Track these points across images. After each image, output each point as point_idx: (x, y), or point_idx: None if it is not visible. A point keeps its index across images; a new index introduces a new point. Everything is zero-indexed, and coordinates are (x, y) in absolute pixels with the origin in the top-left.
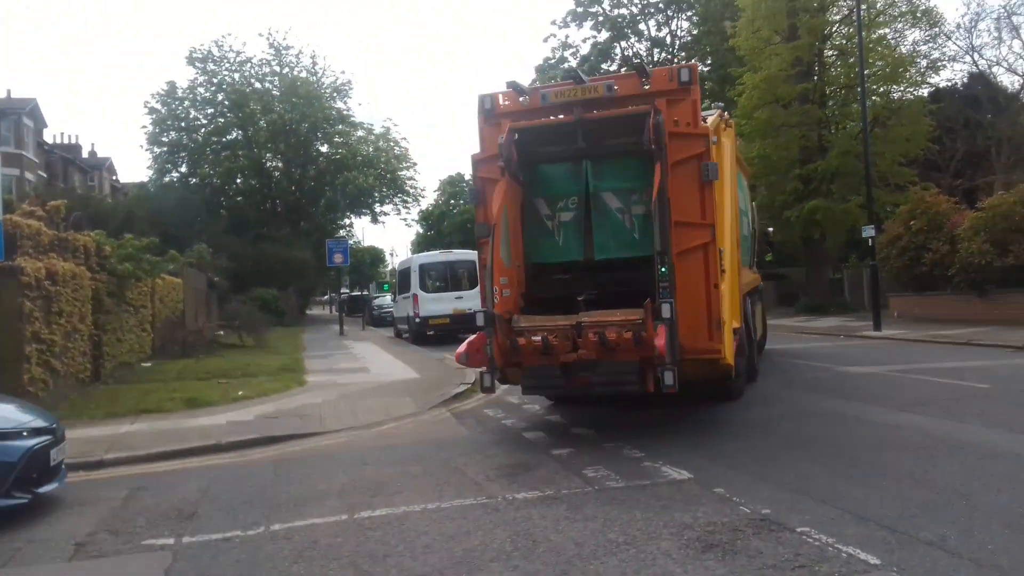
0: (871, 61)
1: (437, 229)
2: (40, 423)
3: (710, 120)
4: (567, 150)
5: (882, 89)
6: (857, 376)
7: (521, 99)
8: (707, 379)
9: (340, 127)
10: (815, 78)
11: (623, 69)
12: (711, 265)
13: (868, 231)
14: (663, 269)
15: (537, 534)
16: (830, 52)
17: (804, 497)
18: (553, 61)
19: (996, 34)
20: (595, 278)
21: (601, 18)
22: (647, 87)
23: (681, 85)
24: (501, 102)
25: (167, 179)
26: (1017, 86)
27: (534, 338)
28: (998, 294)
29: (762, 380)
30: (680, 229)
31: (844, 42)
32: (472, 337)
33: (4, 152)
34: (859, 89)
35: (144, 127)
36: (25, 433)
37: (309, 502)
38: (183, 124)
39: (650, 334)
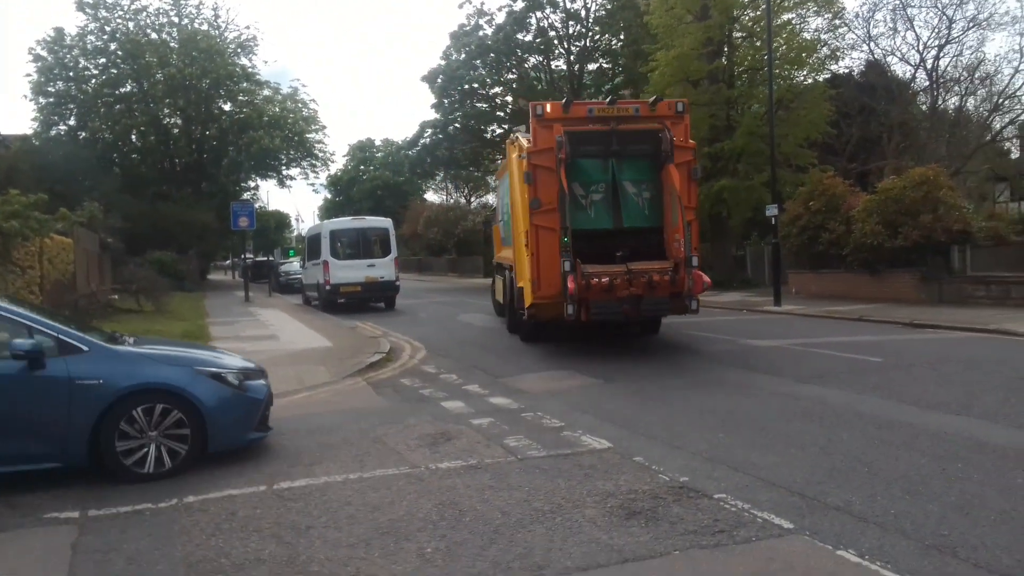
0: (777, 44)
1: (346, 195)
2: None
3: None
4: (601, 150)
5: (786, 73)
6: (761, 349)
7: (565, 110)
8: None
9: (244, 85)
10: (724, 59)
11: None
12: (694, 234)
13: (771, 210)
14: (688, 235)
15: (463, 503)
16: (739, 33)
17: (719, 465)
18: (468, 28)
19: (892, 25)
20: (619, 241)
21: None
22: (654, 111)
23: (677, 114)
24: (549, 110)
25: (54, 132)
26: (909, 75)
27: (602, 280)
28: (888, 273)
29: (671, 351)
30: (679, 210)
31: (752, 24)
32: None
33: None
34: (766, 71)
35: (28, 75)
36: (263, 374)
37: (224, 473)
38: (72, 74)
39: (683, 277)
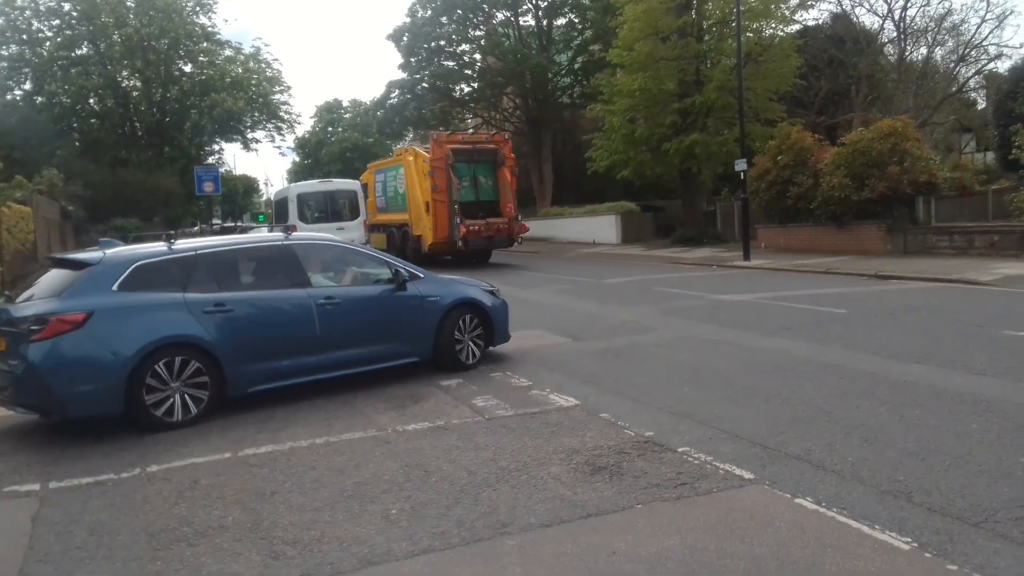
0: None
1: (315, 157)
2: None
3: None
4: (467, 159)
5: (755, 26)
6: (729, 304)
7: (448, 137)
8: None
9: (205, 45)
10: (693, 12)
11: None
12: (514, 204)
13: (740, 165)
14: (515, 204)
15: (429, 464)
16: None
17: (684, 419)
18: None
19: None
20: (478, 208)
21: None
22: (494, 138)
23: (505, 140)
24: (440, 138)
25: (8, 98)
26: (877, 27)
27: (473, 227)
28: (855, 225)
29: (638, 309)
30: (510, 191)
31: None
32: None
33: None
34: (734, 24)
35: None
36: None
37: (188, 441)
38: (24, 36)
39: (513, 226)
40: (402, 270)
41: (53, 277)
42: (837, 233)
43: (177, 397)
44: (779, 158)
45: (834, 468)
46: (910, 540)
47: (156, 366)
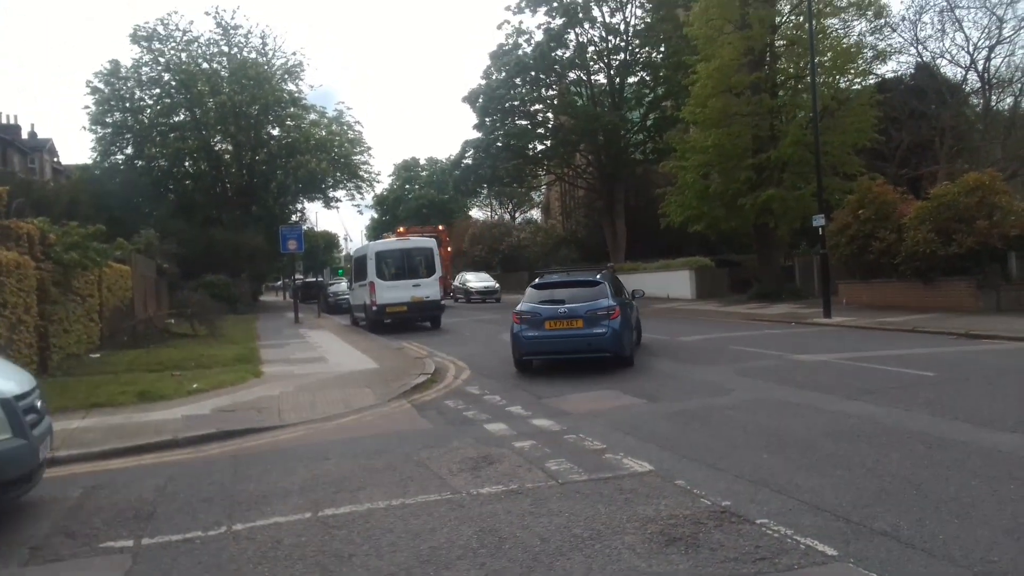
0: (821, 50)
1: (392, 214)
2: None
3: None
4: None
5: (830, 79)
6: (808, 364)
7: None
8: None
9: (292, 110)
10: (766, 68)
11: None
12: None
13: (818, 220)
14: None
15: (503, 530)
16: (780, 42)
17: (762, 488)
18: (508, 47)
19: (939, 27)
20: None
21: (555, 4)
22: (440, 230)
23: (441, 231)
24: (402, 230)
25: (111, 161)
26: (960, 77)
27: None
28: (942, 281)
29: (714, 369)
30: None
31: (794, 32)
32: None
33: None
34: (808, 79)
35: (87, 107)
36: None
37: (271, 500)
38: (128, 104)
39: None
40: (629, 294)
41: (577, 292)
42: (923, 289)
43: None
44: (860, 212)
45: (923, 546)
46: None
47: None
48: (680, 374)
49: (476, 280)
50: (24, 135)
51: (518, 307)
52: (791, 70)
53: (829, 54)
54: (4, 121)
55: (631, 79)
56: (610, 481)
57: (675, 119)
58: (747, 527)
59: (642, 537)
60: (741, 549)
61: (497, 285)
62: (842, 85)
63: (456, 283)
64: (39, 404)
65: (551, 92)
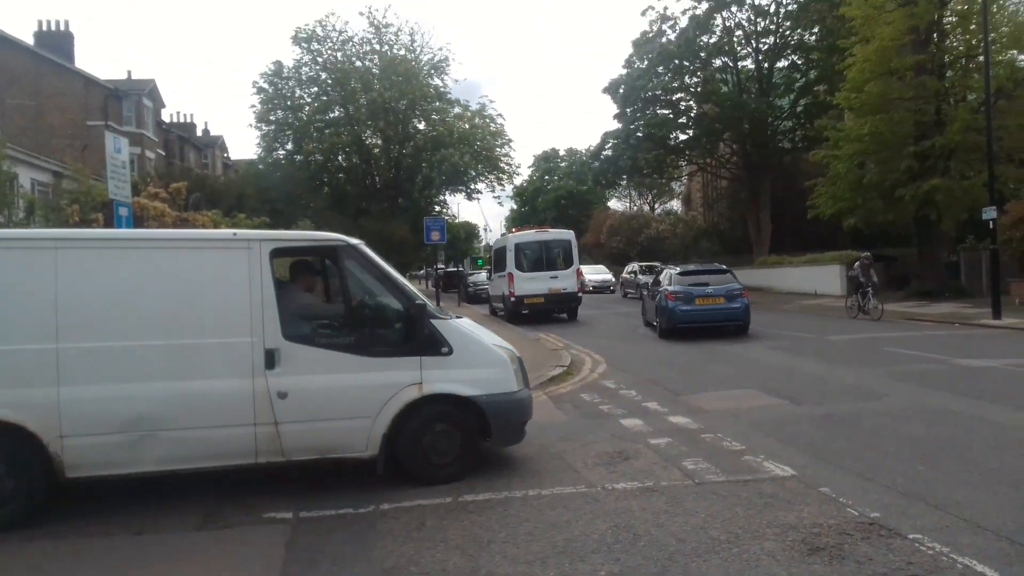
0: (994, 26)
1: (531, 205)
2: None
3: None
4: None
5: (1007, 57)
6: (973, 370)
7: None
8: None
9: (437, 104)
10: (933, 47)
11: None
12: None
13: (989, 213)
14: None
15: (638, 527)
16: (949, 18)
17: (916, 501)
18: (651, 35)
19: None
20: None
21: None
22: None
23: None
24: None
25: (274, 156)
26: None
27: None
28: None
29: (866, 371)
30: None
31: (964, 6)
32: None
33: (126, 132)
34: (982, 57)
35: (253, 106)
36: None
37: (413, 483)
38: (289, 103)
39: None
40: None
41: (714, 277)
42: None
43: None
44: None
45: None
46: None
47: None
48: (827, 375)
49: (592, 273)
50: (199, 133)
51: (671, 288)
52: (961, 48)
53: (1005, 28)
54: (181, 120)
55: (780, 63)
56: (749, 484)
57: (828, 105)
58: (898, 541)
59: (782, 544)
60: (891, 564)
61: (612, 277)
62: (1020, 63)
63: None
64: None
65: (694, 80)
